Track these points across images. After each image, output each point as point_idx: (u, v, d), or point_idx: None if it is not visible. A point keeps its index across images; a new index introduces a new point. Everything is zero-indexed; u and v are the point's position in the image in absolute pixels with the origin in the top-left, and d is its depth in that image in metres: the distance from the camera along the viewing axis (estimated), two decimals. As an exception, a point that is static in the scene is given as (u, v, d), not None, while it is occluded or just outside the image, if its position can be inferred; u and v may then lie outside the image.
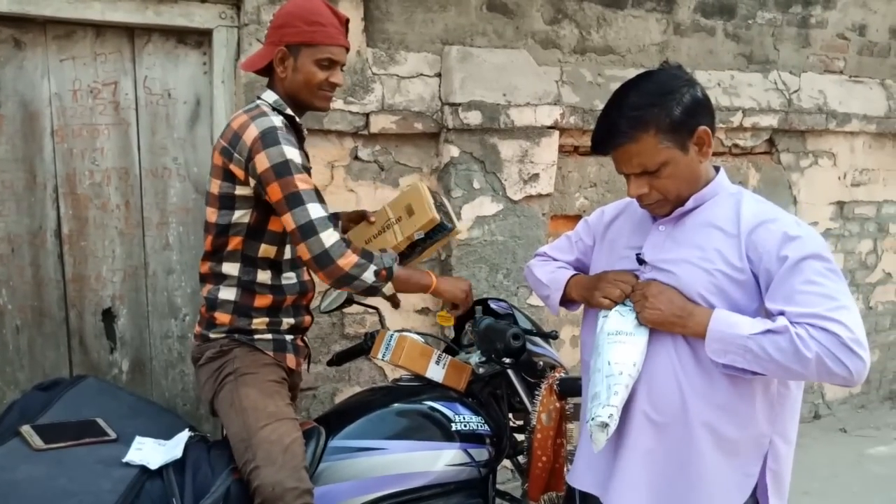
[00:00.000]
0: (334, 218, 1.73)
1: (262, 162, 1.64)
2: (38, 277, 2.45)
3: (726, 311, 1.34)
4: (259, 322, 1.77)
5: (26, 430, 1.56)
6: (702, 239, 1.41)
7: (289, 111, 1.78)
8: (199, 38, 2.49)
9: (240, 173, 1.68)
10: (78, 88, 2.40)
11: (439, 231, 1.91)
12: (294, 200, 1.62)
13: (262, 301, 1.77)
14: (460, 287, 1.87)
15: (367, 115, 2.64)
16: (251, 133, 1.65)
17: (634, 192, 1.42)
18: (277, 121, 1.69)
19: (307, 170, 1.69)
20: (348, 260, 1.63)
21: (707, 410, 1.37)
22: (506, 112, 2.76)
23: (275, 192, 1.63)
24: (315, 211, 1.63)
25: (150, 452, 1.59)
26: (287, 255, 1.80)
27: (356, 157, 2.71)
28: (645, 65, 3.22)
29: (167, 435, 1.67)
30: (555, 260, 1.78)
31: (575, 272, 1.70)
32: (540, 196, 2.91)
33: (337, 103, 2.58)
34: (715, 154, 3.43)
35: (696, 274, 1.39)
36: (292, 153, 1.64)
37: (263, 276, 1.77)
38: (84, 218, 2.47)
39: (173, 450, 1.60)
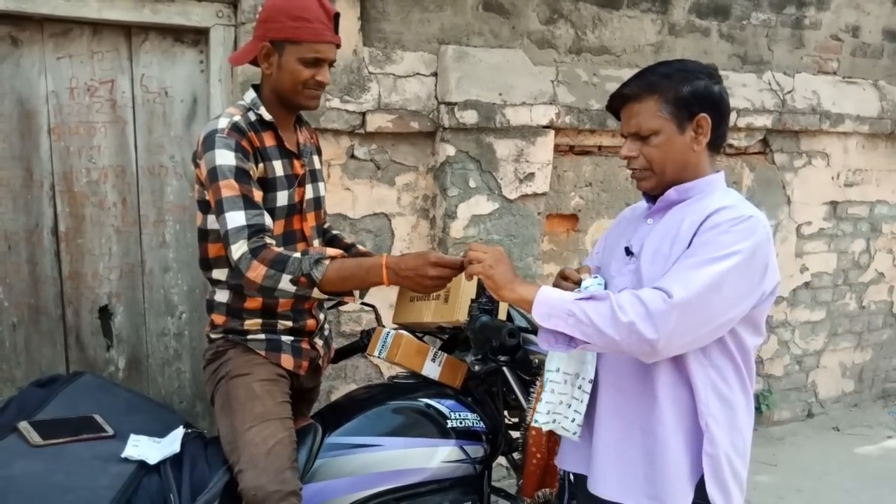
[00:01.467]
0: (255, 226, 1.59)
1: (203, 166, 1.64)
2: (34, 275, 2.45)
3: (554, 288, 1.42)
4: (252, 323, 1.76)
5: (24, 426, 1.57)
6: (674, 231, 1.43)
7: (262, 111, 1.71)
8: (196, 37, 2.50)
9: (202, 177, 1.67)
10: (75, 86, 2.40)
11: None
12: (219, 207, 1.61)
13: (253, 303, 1.75)
14: (421, 268, 1.54)
15: (363, 114, 2.65)
16: (201, 136, 1.66)
17: (624, 153, 1.48)
18: (224, 122, 1.63)
19: (244, 173, 1.61)
20: (257, 272, 1.56)
21: (664, 391, 1.41)
22: (501, 111, 2.78)
23: (211, 198, 1.63)
24: (232, 220, 1.58)
25: (147, 449, 1.59)
26: None
27: (353, 156, 2.72)
28: (640, 65, 3.23)
29: (164, 431, 1.68)
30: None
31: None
32: (535, 195, 2.93)
33: (333, 102, 2.60)
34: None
35: (659, 266, 1.41)
36: (224, 157, 1.60)
37: None
38: (81, 215, 2.48)
39: (170, 445, 1.61)
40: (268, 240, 1.61)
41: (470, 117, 2.73)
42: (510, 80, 2.82)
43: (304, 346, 1.84)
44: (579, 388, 1.50)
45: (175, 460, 1.59)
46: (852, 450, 3.69)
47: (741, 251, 1.31)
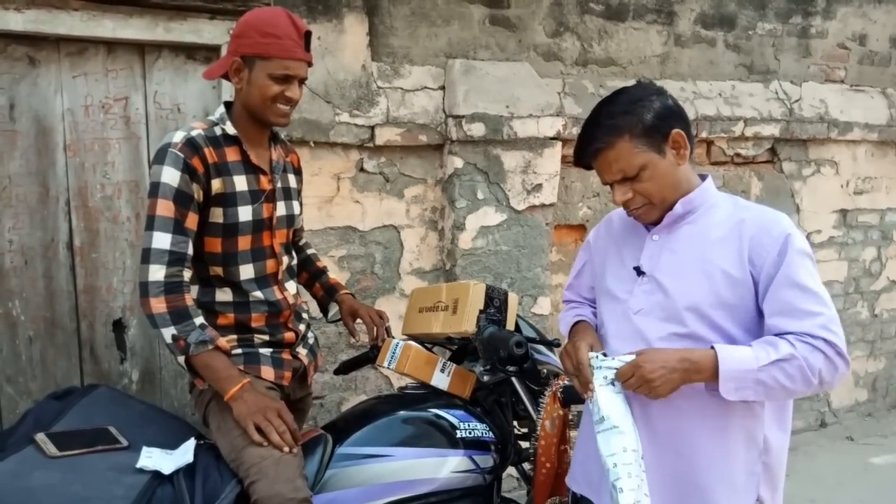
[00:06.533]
0: (176, 254, 1.63)
1: (150, 177, 1.68)
2: (50, 289, 2.49)
3: (724, 346, 1.34)
4: (227, 339, 1.74)
5: (41, 437, 1.59)
6: (700, 248, 1.42)
7: (227, 125, 1.72)
8: (208, 54, 2.55)
9: None
10: (90, 104, 2.45)
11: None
12: (147, 223, 1.63)
13: (225, 320, 1.75)
14: (262, 410, 1.62)
15: (372, 128, 2.68)
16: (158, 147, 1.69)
17: (620, 199, 1.45)
18: (179, 136, 1.65)
19: (185, 196, 1.63)
20: (158, 305, 1.60)
21: (702, 424, 1.41)
22: (509, 124, 2.80)
23: (146, 210, 1.66)
24: (157, 240, 1.61)
25: (160, 459, 1.62)
26: (248, 274, 1.76)
27: (362, 169, 2.75)
28: (646, 76, 3.26)
29: (177, 443, 1.69)
30: (574, 301, 1.78)
31: (579, 319, 1.69)
32: (543, 206, 2.95)
33: (343, 116, 2.63)
34: (717, 163, 3.49)
35: (696, 285, 1.40)
36: (169, 176, 1.61)
37: (223, 296, 1.75)
38: (95, 230, 2.52)
39: (183, 456, 1.62)
40: (186, 276, 1.65)
41: (477, 130, 2.76)
42: (517, 93, 2.85)
43: (286, 356, 1.83)
44: (640, 465, 1.37)
45: (188, 471, 1.61)
46: (866, 459, 3.65)
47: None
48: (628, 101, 1.42)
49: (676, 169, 1.44)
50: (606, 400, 1.38)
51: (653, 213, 1.47)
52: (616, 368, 1.38)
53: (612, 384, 1.39)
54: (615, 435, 1.36)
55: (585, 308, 1.72)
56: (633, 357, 1.37)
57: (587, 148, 1.44)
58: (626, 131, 1.39)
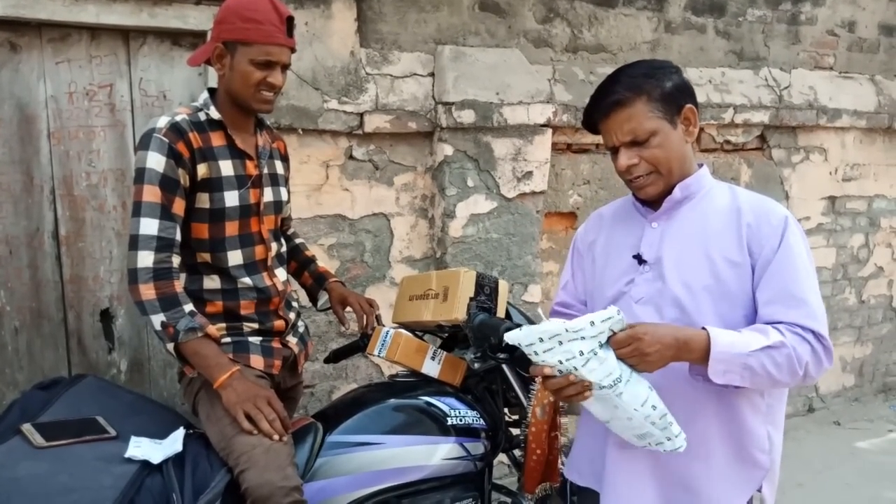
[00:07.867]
0: (165, 240, 1.62)
1: (134, 163, 1.66)
2: (36, 279, 2.46)
3: (716, 328, 1.31)
4: (217, 328, 1.72)
5: (27, 428, 1.58)
6: (701, 235, 1.41)
7: (211, 110, 1.71)
8: (194, 40, 2.51)
9: None
10: (74, 91, 2.41)
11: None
12: (134, 209, 1.62)
13: (213, 308, 1.74)
14: (252, 398, 1.61)
15: (361, 115, 2.66)
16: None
17: (625, 163, 1.41)
18: (164, 121, 1.64)
19: (171, 181, 1.62)
20: (147, 292, 1.59)
21: (715, 415, 1.40)
22: (499, 111, 2.79)
23: (131, 196, 1.65)
24: (144, 226, 1.60)
25: (149, 449, 1.60)
26: (237, 260, 1.74)
27: (351, 157, 2.73)
28: (636, 62, 3.25)
29: (166, 432, 1.68)
30: (566, 302, 1.72)
31: None
32: (534, 193, 2.94)
33: (331, 103, 2.61)
34: (707, 150, 3.49)
35: (698, 273, 1.39)
36: (154, 161, 1.60)
37: (211, 283, 1.74)
38: (81, 219, 2.49)
39: (172, 445, 1.61)
40: (175, 262, 1.64)
41: (467, 117, 2.74)
42: (507, 80, 2.83)
43: (276, 345, 1.82)
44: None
45: (177, 460, 1.60)
46: (853, 444, 3.70)
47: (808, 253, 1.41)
48: (650, 67, 1.43)
49: (684, 144, 1.44)
50: (612, 357, 1.27)
51: (658, 183, 1.43)
52: (613, 331, 1.27)
53: (603, 346, 1.27)
54: (637, 383, 1.27)
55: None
56: (614, 311, 1.25)
57: (602, 101, 1.42)
58: (646, 92, 1.38)
